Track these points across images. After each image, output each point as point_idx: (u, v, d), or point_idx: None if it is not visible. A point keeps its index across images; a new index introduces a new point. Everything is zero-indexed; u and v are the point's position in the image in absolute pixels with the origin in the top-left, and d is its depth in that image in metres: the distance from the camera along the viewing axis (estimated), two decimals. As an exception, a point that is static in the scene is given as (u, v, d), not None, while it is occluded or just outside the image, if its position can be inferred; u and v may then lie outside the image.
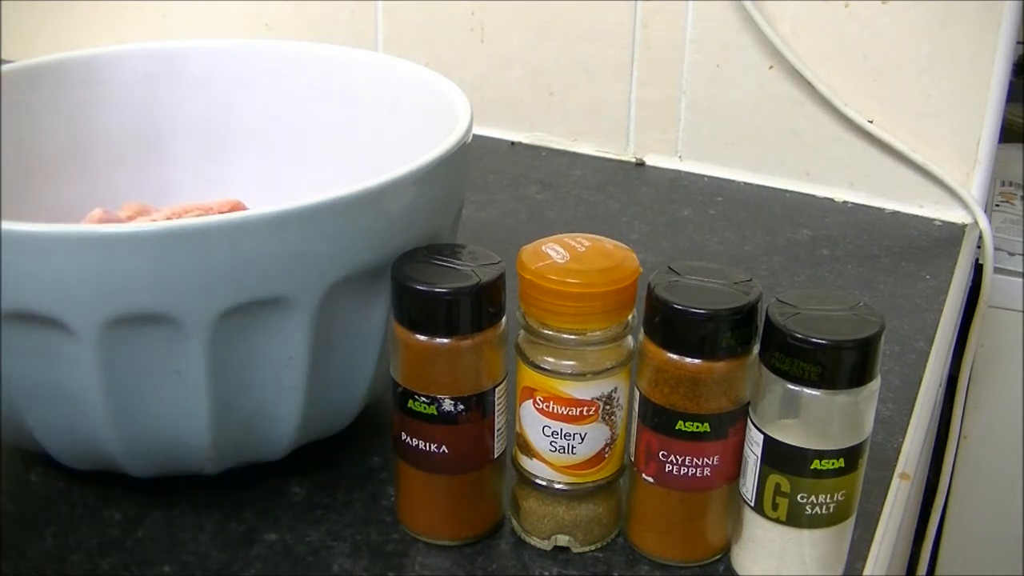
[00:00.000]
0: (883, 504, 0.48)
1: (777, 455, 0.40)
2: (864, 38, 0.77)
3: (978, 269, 0.78)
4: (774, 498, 0.41)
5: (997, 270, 0.81)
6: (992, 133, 0.76)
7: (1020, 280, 0.85)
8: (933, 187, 0.79)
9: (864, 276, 0.70)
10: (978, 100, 0.75)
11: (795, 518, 0.41)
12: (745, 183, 0.85)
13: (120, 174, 0.59)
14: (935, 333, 0.63)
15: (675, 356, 0.40)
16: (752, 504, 0.42)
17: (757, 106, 0.83)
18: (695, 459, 0.42)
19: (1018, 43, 0.75)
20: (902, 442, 0.53)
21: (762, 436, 0.40)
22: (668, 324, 0.40)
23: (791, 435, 0.40)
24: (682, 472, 0.42)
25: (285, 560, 0.44)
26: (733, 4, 0.80)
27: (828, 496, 0.40)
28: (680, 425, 0.41)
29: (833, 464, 0.40)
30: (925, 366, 0.60)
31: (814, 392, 0.39)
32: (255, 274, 0.40)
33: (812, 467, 0.40)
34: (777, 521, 0.41)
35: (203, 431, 0.43)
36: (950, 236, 0.77)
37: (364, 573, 0.44)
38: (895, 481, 0.50)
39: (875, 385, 0.40)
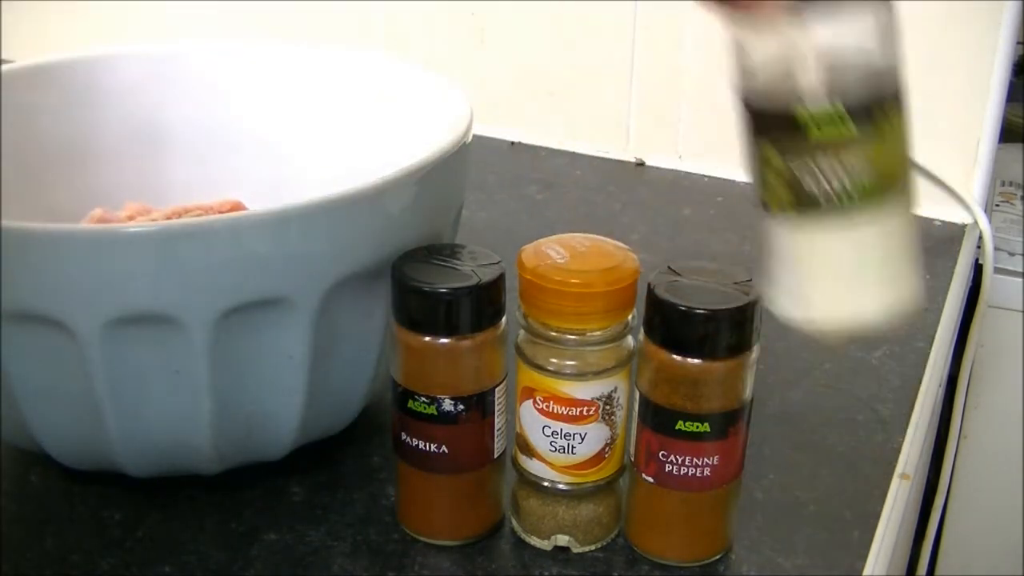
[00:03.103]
0: (883, 504, 0.48)
1: None
2: (864, 38, 0.77)
3: (978, 269, 0.78)
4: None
5: (997, 270, 0.81)
6: (992, 133, 0.76)
7: (1020, 280, 0.85)
8: (933, 187, 0.79)
9: (864, 276, 0.70)
10: (978, 100, 0.75)
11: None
12: (745, 183, 0.85)
13: (120, 174, 0.59)
14: (935, 333, 0.63)
15: (675, 356, 0.40)
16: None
17: (757, 106, 0.83)
18: (695, 459, 0.42)
19: (1018, 43, 0.75)
20: (902, 442, 0.53)
21: None
22: (668, 324, 0.40)
23: None
24: (682, 472, 0.42)
25: (285, 560, 0.44)
26: (733, 4, 0.80)
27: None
28: (680, 425, 0.41)
29: None
30: (925, 366, 0.60)
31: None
32: (255, 274, 0.40)
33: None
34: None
35: (203, 431, 0.43)
36: (950, 236, 0.77)
37: (364, 573, 0.44)
38: (895, 481, 0.50)
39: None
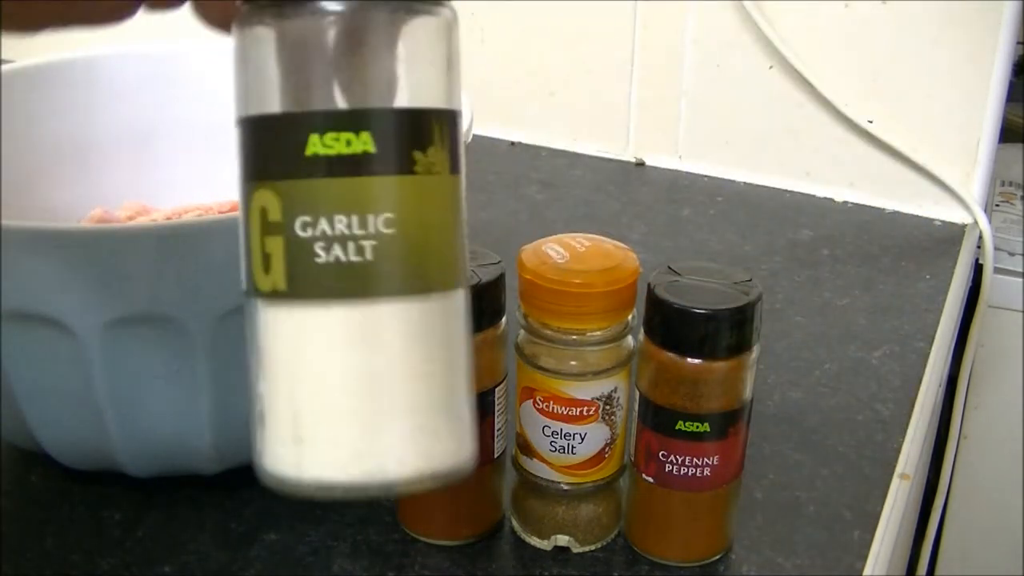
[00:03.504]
0: (883, 504, 0.48)
1: None
2: (864, 38, 0.77)
3: (978, 269, 0.78)
4: None
5: (997, 270, 0.81)
6: (992, 133, 0.76)
7: (1020, 280, 0.85)
8: (933, 187, 0.79)
9: (864, 276, 0.70)
10: (978, 100, 0.76)
11: None
12: (745, 183, 0.85)
13: (120, 174, 0.59)
14: (935, 333, 0.63)
15: (675, 356, 0.40)
16: None
17: (757, 106, 0.83)
18: (695, 459, 0.42)
19: (1018, 43, 0.75)
20: (902, 442, 0.53)
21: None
22: (668, 324, 0.40)
23: None
24: (682, 472, 0.42)
25: (285, 560, 0.44)
26: (733, 4, 0.80)
27: None
28: (680, 425, 0.41)
29: None
30: (925, 366, 0.60)
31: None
32: (255, 274, 0.40)
33: None
34: None
35: (203, 431, 0.43)
36: (950, 236, 0.77)
37: (364, 573, 0.44)
38: (895, 481, 0.50)
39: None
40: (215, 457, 0.45)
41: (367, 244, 0.25)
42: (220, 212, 0.54)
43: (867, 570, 0.44)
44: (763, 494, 0.49)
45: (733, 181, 0.85)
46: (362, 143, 0.25)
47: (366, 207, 0.25)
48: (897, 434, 0.53)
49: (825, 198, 0.82)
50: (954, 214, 0.79)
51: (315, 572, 0.44)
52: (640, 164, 0.89)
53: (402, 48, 0.26)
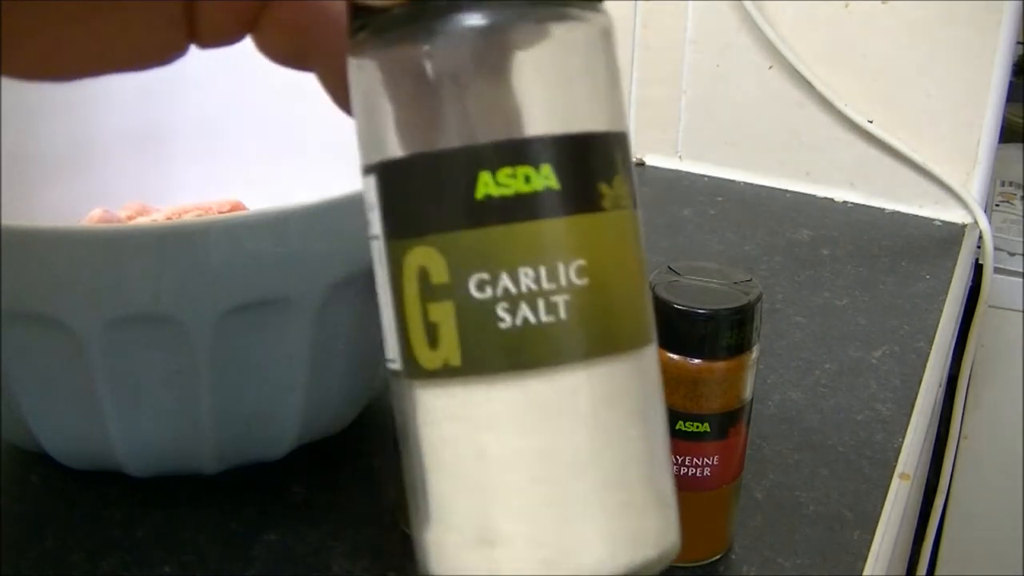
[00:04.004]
0: (883, 504, 0.48)
1: None
2: (864, 38, 0.77)
3: (978, 269, 0.78)
4: None
5: (997, 270, 0.81)
6: (992, 133, 0.76)
7: (1020, 280, 0.85)
8: (933, 187, 0.79)
9: (864, 276, 0.70)
10: (978, 100, 0.76)
11: None
12: (745, 183, 0.85)
13: (120, 174, 0.59)
14: (935, 333, 0.63)
15: (675, 356, 0.40)
16: None
17: (757, 106, 0.83)
18: (695, 459, 0.42)
19: (1018, 43, 0.75)
20: (902, 442, 0.53)
21: None
22: (668, 324, 0.40)
23: None
24: (682, 472, 0.42)
25: (285, 560, 0.44)
26: (733, 4, 0.80)
27: None
28: (680, 425, 0.41)
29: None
30: (925, 366, 0.60)
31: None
32: (255, 274, 0.40)
33: None
34: None
35: (203, 431, 0.43)
36: (950, 236, 0.77)
37: (364, 573, 0.44)
38: (895, 481, 0.50)
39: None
40: (215, 457, 0.45)
41: (560, 300, 0.21)
42: (220, 212, 0.54)
43: (867, 570, 0.44)
44: (763, 494, 0.49)
45: (733, 181, 0.85)
46: (543, 178, 0.21)
47: (555, 256, 0.21)
48: (897, 434, 0.53)
49: (825, 198, 0.82)
50: (954, 214, 0.79)
51: (315, 572, 0.44)
52: (640, 164, 0.89)
53: (563, 63, 0.22)
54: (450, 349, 0.21)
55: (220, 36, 0.24)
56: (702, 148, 0.86)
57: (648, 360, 0.23)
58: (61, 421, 0.43)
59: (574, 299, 0.21)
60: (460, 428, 0.22)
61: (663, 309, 0.40)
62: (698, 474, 0.42)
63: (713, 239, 0.75)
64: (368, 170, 0.23)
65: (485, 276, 0.21)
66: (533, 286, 0.21)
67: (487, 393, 0.21)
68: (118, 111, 0.59)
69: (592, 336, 0.22)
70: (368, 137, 0.23)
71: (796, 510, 0.48)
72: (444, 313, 0.21)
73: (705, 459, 0.42)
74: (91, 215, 0.54)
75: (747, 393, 0.42)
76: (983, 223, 0.77)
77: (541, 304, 0.21)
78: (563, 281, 0.21)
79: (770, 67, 0.81)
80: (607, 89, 0.23)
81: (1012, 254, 0.86)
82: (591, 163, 0.22)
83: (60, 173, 0.57)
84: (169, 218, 0.54)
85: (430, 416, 0.22)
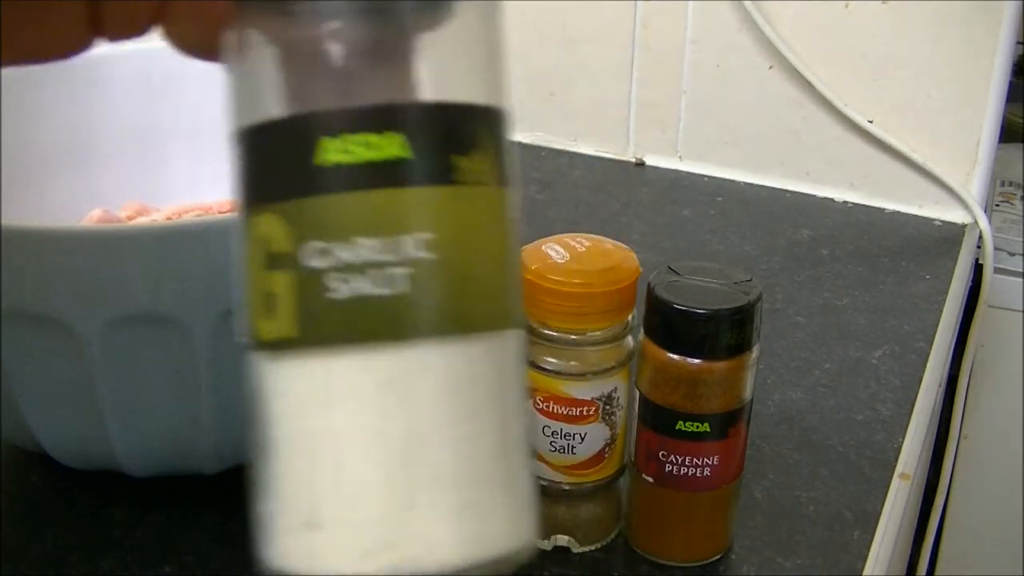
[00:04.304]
0: (883, 504, 0.48)
1: None
2: (864, 38, 0.77)
3: (978, 269, 0.78)
4: None
5: (997, 270, 0.81)
6: (992, 133, 0.76)
7: (1020, 280, 0.85)
8: (933, 187, 0.79)
9: (864, 276, 0.70)
10: (978, 100, 0.76)
11: None
12: (745, 183, 0.85)
13: (120, 174, 0.59)
14: (935, 333, 0.63)
15: (675, 356, 0.40)
16: None
17: (757, 106, 0.83)
18: (695, 459, 0.42)
19: (1018, 43, 0.75)
20: (902, 442, 0.53)
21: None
22: (668, 324, 0.40)
23: None
24: (682, 472, 0.42)
25: (285, 560, 0.44)
26: (733, 4, 0.80)
27: None
28: (680, 425, 0.41)
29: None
30: (925, 366, 0.60)
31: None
32: (255, 274, 0.40)
33: None
34: None
35: (203, 431, 0.43)
36: (950, 236, 0.77)
37: (364, 573, 0.43)
38: (895, 481, 0.50)
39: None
40: (215, 457, 0.45)
41: (399, 272, 0.20)
42: (220, 212, 0.54)
43: (867, 570, 0.44)
44: (763, 494, 0.49)
45: (733, 181, 0.85)
46: (390, 146, 0.20)
47: (398, 227, 0.20)
48: (897, 434, 0.53)
49: (825, 198, 0.82)
50: (954, 214, 0.79)
51: (315, 572, 0.44)
52: (640, 164, 0.89)
53: (431, 35, 0.21)
54: (286, 320, 0.21)
55: (125, 30, 0.24)
56: (702, 148, 0.86)
57: (508, 347, 0.22)
58: (61, 421, 0.43)
59: (419, 273, 0.20)
60: (293, 402, 0.21)
61: (663, 309, 0.40)
62: (698, 474, 0.42)
63: (713, 239, 0.75)
64: (230, 139, 0.23)
65: (321, 245, 0.20)
66: (370, 257, 0.20)
67: (326, 367, 0.20)
68: (118, 111, 0.59)
69: (436, 313, 0.20)
70: (232, 107, 0.23)
71: (796, 510, 0.48)
72: (283, 283, 0.21)
73: (705, 459, 0.42)
74: (91, 215, 0.54)
75: (747, 393, 0.42)
76: (983, 223, 0.77)
77: (377, 276, 0.20)
78: (405, 253, 0.20)
79: (770, 67, 0.81)
80: (479, 63, 0.22)
81: (1012, 254, 0.86)
82: (448, 135, 0.21)
83: (60, 173, 0.57)
84: (169, 218, 0.54)
85: (267, 389, 0.21)
